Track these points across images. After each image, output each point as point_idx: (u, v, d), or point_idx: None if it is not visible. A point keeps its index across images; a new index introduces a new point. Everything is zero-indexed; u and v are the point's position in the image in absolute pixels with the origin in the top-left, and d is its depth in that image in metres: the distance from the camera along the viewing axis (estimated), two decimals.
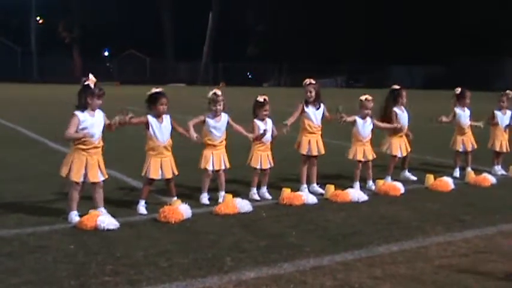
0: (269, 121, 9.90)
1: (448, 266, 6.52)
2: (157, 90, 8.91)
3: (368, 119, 10.71)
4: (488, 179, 11.28)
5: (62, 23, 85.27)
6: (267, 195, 9.85)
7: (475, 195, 10.31)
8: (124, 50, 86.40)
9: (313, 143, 10.37)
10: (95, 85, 8.18)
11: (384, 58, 77.21)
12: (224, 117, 9.46)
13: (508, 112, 12.65)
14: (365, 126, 10.68)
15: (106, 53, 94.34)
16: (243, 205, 8.78)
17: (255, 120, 9.76)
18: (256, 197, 9.74)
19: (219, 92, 9.40)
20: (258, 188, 9.92)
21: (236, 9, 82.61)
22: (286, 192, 9.50)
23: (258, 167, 9.77)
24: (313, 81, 10.38)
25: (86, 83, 8.17)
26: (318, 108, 10.36)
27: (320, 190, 10.18)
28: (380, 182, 10.44)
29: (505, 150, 12.55)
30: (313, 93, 10.32)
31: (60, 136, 8.37)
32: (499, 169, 12.38)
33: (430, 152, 11.84)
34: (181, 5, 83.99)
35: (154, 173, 8.74)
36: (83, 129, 8.09)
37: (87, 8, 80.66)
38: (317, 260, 6.65)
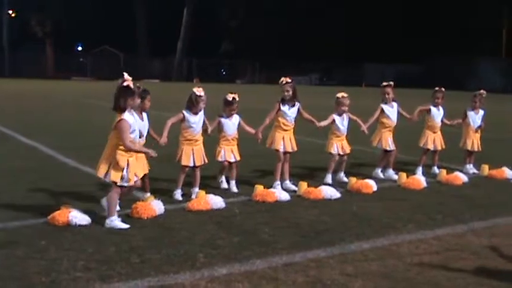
0: (236, 117, 10.12)
1: (420, 263, 6.56)
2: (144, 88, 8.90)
3: (345, 115, 11.09)
4: (460, 177, 11.36)
5: (34, 17, 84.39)
6: (235, 189, 10.04)
7: (447, 194, 10.38)
8: (98, 46, 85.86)
9: (286, 140, 10.45)
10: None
11: (357, 56, 77.52)
12: (202, 114, 9.61)
13: (481, 112, 12.75)
14: (343, 123, 11.09)
15: (79, 48, 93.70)
16: (216, 201, 8.78)
17: (221, 118, 9.99)
18: (225, 185, 10.07)
19: (201, 93, 9.49)
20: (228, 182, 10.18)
21: (210, 5, 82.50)
22: (259, 189, 9.50)
23: (222, 159, 10.03)
24: (290, 80, 10.46)
25: (125, 84, 7.91)
26: (293, 106, 10.43)
27: (293, 187, 10.21)
28: (353, 179, 10.48)
29: (476, 149, 12.65)
30: (290, 92, 10.38)
31: (34, 132, 8.30)
32: (470, 168, 12.48)
33: (403, 150, 11.90)
34: (155, 1, 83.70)
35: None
36: (132, 131, 7.91)
37: (61, 2, 79.89)
38: (289, 256, 6.66)
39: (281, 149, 10.41)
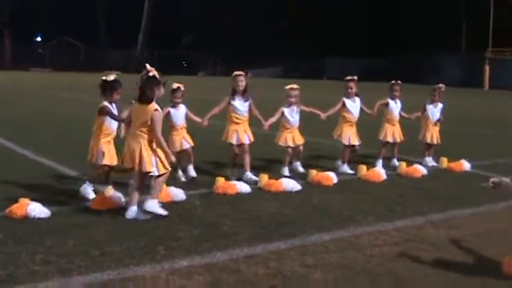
0: (183, 107, 10.37)
1: (379, 254, 6.61)
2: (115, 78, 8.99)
3: (295, 107, 11.10)
4: (420, 170, 11.47)
5: None
6: (193, 173, 10.27)
7: (407, 186, 10.46)
8: (57, 36, 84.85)
9: (240, 133, 10.56)
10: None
11: (320, 50, 77.71)
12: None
13: (440, 105, 12.88)
14: (293, 115, 11.08)
15: (38, 39, 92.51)
16: (176, 194, 8.75)
17: (170, 108, 10.20)
18: (183, 178, 10.18)
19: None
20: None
21: None
22: (221, 181, 9.49)
23: (176, 150, 10.12)
24: (242, 73, 10.57)
25: (150, 74, 7.85)
26: (245, 101, 10.57)
27: (254, 178, 10.22)
28: (313, 172, 10.52)
29: (435, 142, 12.78)
30: (244, 84, 10.51)
31: None
32: (429, 160, 12.60)
33: (363, 144, 11.96)
34: None
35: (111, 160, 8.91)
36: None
37: None
38: (250, 248, 6.66)
39: (234, 142, 10.53)
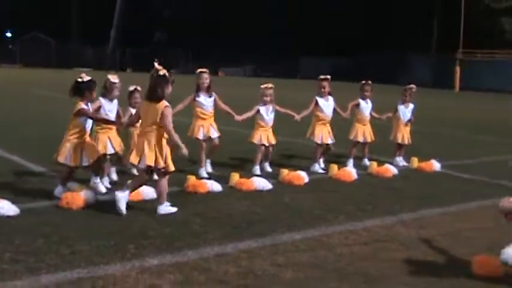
0: None
1: (350, 254, 6.64)
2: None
3: (270, 106, 11.20)
4: (390, 170, 11.53)
5: None
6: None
7: (377, 186, 10.52)
8: (28, 32, 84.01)
9: (206, 128, 10.72)
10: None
11: (293, 49, 77.78)
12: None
13: (411, 106, 12.96)
14: (267, 113, 11.18)
15: (9, 34, 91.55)
16: (147, 192, 8.71)
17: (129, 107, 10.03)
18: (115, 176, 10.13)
19: (115, 80, 9.82)
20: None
21: None
22: (192, 179, 9.48)
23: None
24: (206, 70, 10.81)
25: (161, 73, 7.99)
26: (210, 97, 10.78)
27: (210, 169, 10.58)
28: (284, 171, 10.53)
29: (406, 142, 12.86)
30: (208, 81, 10.73)
31: None
32: (400, 160, 12.67)
33: (334, 142, 12.01)
34: None
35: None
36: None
37: None
38: (221, 247, 6.65)
39: (201, 137, 10.71)
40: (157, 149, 7.91)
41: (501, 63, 61.34)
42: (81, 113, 8.60)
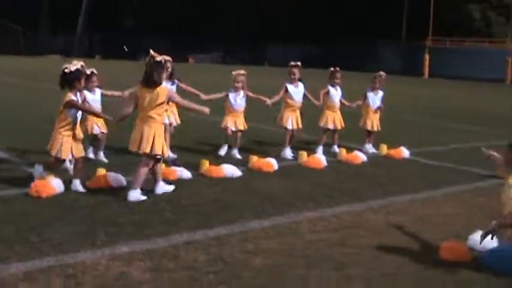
0: (98, 91, 10.51)
1: (319, 240, 6.68)
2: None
3: (241, 92, 11.34)
4: (360, 156, 11.59)
5: None
6: (91, 155, 10.53)
7: (347, 173, 10.56)
8: None
9: (169, 114, 10.78)
10: None
11: (261, 36, 77.65)
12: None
13: (380, 93, 13.01)
14: (237, 99, 11.34)
15: None
16: (116, 179, 8.69)
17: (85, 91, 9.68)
18: (92, 155, 10.47)
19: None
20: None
21: None
22: (161, 167, 9.44)
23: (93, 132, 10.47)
24: (169, 58, 10.69)
25: (157, 60, 8.18)
26: (172, 84, 10.92)
27: (172, 155, 10.61)
28: (254, 158, 10.54)
29: (376, 129, 12.92)
30: (170, 69, 10.73)
31: None
32: (370, 147, 12.74)
33: (304, 129, 12.05)
34: None
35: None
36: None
37: None
38: (190, 234, 6.66)
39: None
40: (160, 138, 8.19)
41: (470, 50, 61.84)
42: (71, 104, 8.28)
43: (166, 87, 8.51)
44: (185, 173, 9.48)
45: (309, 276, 5.64)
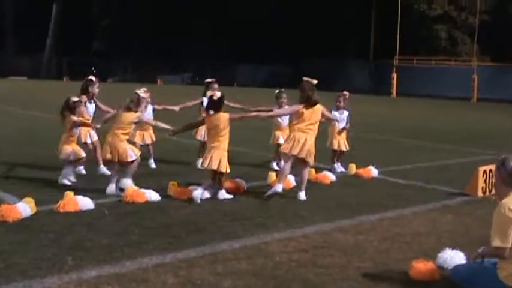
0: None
1: (289, 261, 6.67)
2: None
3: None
4: (328, 176, 11.62)
5: None
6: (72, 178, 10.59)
7: (316, 193, 10.55)
8: None
9: (84, 133, 11.43)
10: None
11: (230, 56, 77.85)
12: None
13: (345, 112, 13.06)
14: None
15: None
16: (84, 203, 8.62)
17: None
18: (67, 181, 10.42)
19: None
20: None
21: (81, 2, 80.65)
22: (130, 189, 9.40)
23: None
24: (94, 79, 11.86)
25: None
26: (91, 103, 11.73)
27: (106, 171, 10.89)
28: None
29: (343, 148, 12.97)
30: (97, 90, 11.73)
31: None
32: (338, 167, 12.78)
33: (271, 150, 12.08)
34: None
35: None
36: None
37: None
38: (159, 257, 6.62)
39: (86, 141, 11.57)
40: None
41: (437, 69, 62.42)
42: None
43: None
44: (154, 195, 9.42)
45: None
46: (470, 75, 56.84)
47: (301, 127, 10.11)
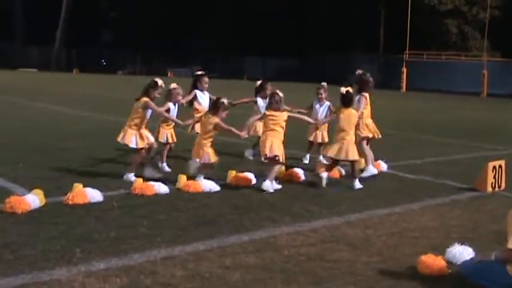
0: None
1: (297, 255, 6.67)
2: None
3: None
4: (339, 170, 11.57)
5: None
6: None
7: (324, 186, 10.52)
8: None
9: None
10: None
11: (239, 49, 77.84)
12: None
13: (326, 103, 12.94)
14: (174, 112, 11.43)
15: None
16: (93, 195, 8.63)
17: None
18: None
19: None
20: None
21: None
22: (138, 182, 9.41)
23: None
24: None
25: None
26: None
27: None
28: (232, 172, 10.50)
29: (326, 140, 12.83)
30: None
31: None
32: (322, 159, 12.59)
33: (295, 146, 12.04)
34: None
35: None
36: None
37: None
38: (168, 250, 6.62)
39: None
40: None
41: (447, 64, 62.31)
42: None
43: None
44: (163, 188, 9.42)
45: None
46: (480, 71, 56.71)
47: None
